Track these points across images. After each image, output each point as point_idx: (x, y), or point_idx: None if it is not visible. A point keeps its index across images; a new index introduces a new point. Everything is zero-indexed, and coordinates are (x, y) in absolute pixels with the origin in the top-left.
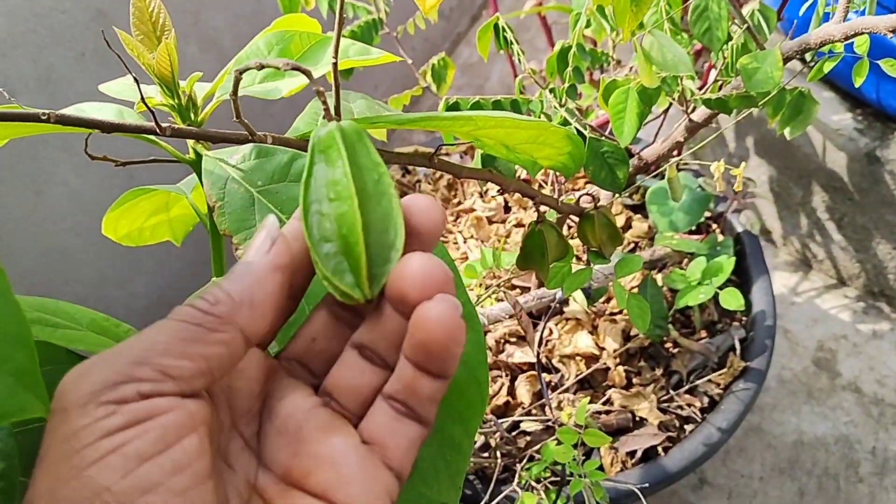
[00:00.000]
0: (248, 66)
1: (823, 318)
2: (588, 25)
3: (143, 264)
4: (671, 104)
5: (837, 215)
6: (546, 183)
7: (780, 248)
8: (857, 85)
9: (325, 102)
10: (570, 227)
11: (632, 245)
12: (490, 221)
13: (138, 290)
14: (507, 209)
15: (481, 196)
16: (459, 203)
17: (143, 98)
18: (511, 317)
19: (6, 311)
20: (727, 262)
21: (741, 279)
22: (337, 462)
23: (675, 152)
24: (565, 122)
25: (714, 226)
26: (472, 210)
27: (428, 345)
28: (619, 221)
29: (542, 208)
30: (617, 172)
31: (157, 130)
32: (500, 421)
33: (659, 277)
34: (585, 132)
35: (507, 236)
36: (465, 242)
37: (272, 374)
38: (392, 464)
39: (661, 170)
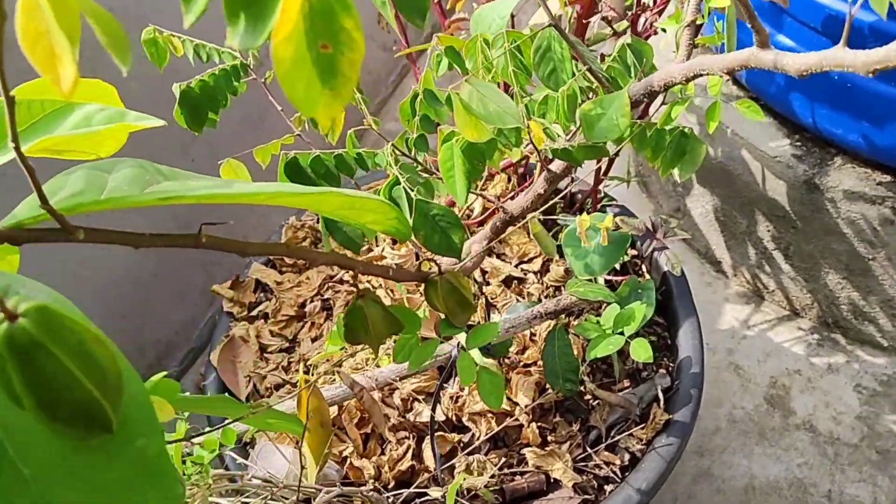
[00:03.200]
0: None
1: (776, 351)
2: (451, 68)
3: None
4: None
5: (783, 244)
6: None
7: (731, 279)
8: (710, 130)
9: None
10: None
11: (551, 290)
12: (416, 268)
13: None
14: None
15: (393, 244)
16: (370, 250)
17: None
18: (416, 373)
19: None
20: (639, 309)
21: (668, 322)
22: None
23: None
24: (398, 181)
25: (640, 265)
26: (382, 258)
27: None
28: (537, 265)
29: (368, 279)
30: (452, 236)
31: None
32: (400, 492)
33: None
34: (413, 193)
35: (419, 285)
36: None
37: None
38: None
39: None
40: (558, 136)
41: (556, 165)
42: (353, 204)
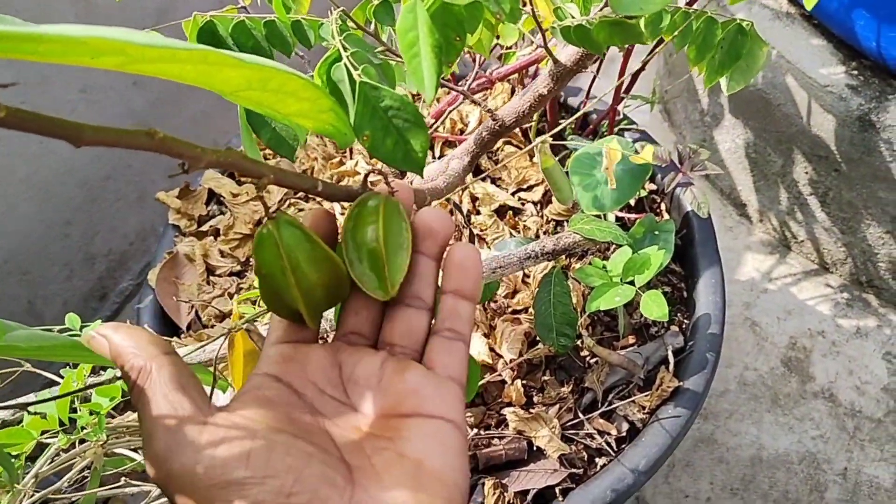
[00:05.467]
0: None
1: (799, 309)
2: None
3: None
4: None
5: (821, 189)
6: None
7: (755, 225)
8: (808, 7)
9: None
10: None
11: (552, 225)
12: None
13: None
14: (379, 171)
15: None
16: (342, 163)
17: None
18: None
19: None
20: (655, 255)
21: (686, 271)
22: (415, 389)
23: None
24: (339, 58)
25: (659, 202)
26: (356, 173)
27: (463, 269)
28: (537, 194)
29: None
30: (410, 140)
31: None
32: None
33: (580, 266)
34: (357, 74)
35: None
36: (340, 215)
37: (336, 351)
38: (454, 376)
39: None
40: (572, 16)
41: (567, 55)
42: (264, 82)
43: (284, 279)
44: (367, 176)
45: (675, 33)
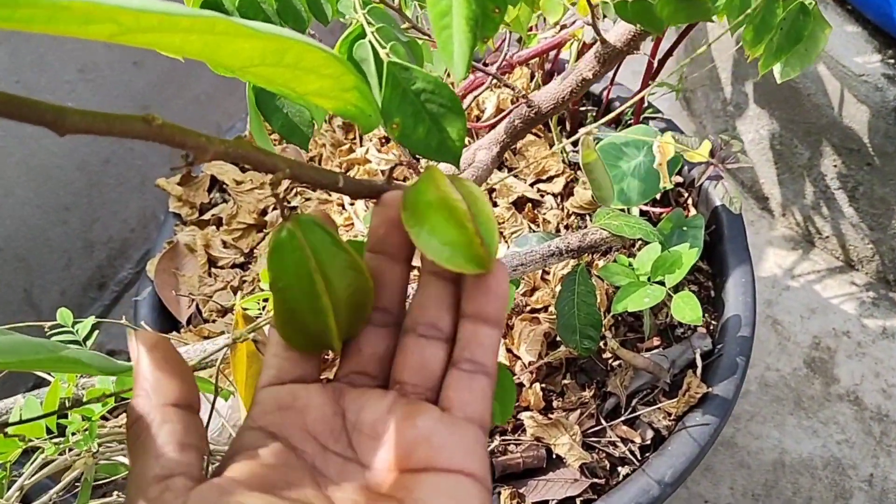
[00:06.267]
0: None
1: (823, 308)
2: None
3: None
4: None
5: (851, 184)
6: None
7: (777, 220)
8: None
9: None
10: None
11: (573, 218)
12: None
13: None
14: (418, 160)
15: (383, 143)
16: (351, 150)
17: None
18: None
19: None
20: (688, 254)
21: (714, 269)
22: (427, 437)
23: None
24: (363, 34)
25: (686, 196)
26: (366, 161)
27: (485, 288)
28: (558, 186)
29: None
30: (446, 127)
31: None
32: None
33: (602, 263)
34: (385, 52)
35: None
36: (351, 205)
37: (339, 395)
38: (473, 416)
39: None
40: None
41: (616, 35)
42: (279, 55)
43: (309, 295)
44: (391, 170)
45: (750, 10)
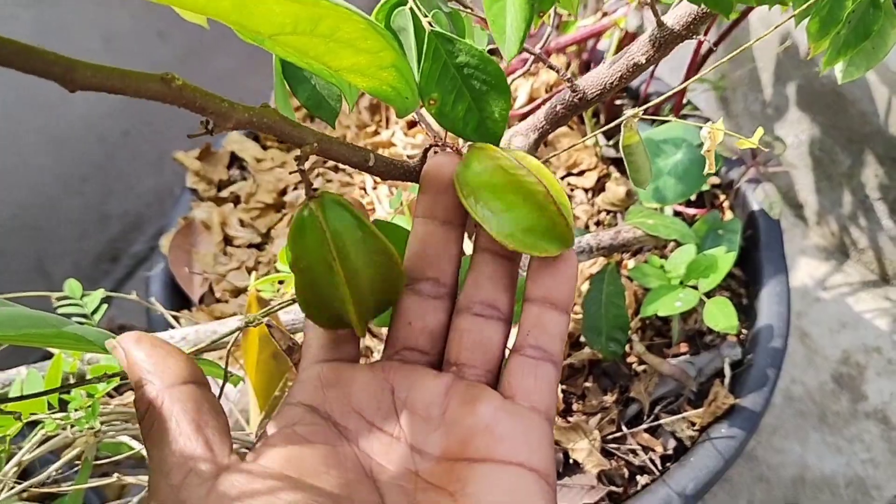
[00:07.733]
0: None
1: (855, 322)
2: None
3: None
4: None
5: (892, 195)
6: None
7: (811, 228)
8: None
9: None
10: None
11: (604, 215)
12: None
13: None
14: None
15: (410, 126)
16: (377, 133)
17: None
18: None
19: None
20: (724, 258)
21: (748, 276)
22: (489, 426)
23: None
24: (403, 1)
25: (722, 198)
26: (391, 145)
27: (554, 271)
28: (590, 180)
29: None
30: (489, 106)
31: None
32: None
33: (632, 263)
34: (426, 22)
35: None
36: (374, 189)
37: (387, 371)
38: (540, 407)
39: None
40: None
41: (675, 17)
42: (314, 22)
43: (329, 274)
44: (426, 151)
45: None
